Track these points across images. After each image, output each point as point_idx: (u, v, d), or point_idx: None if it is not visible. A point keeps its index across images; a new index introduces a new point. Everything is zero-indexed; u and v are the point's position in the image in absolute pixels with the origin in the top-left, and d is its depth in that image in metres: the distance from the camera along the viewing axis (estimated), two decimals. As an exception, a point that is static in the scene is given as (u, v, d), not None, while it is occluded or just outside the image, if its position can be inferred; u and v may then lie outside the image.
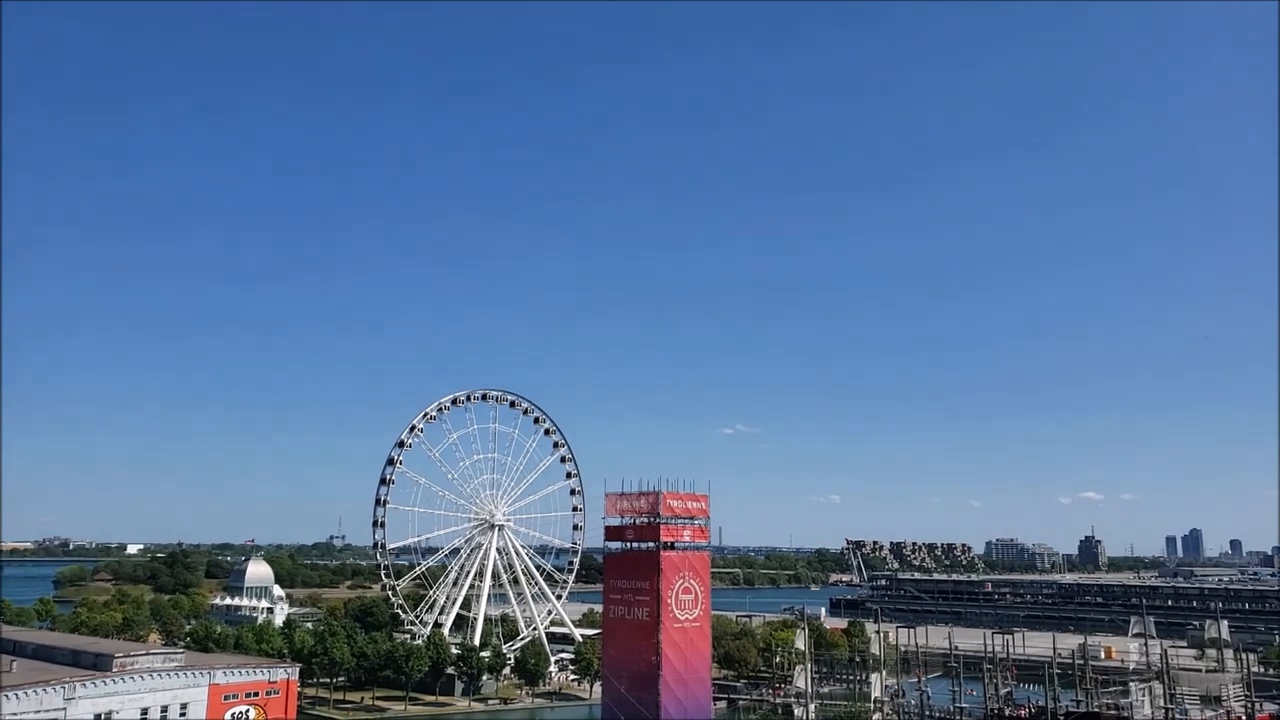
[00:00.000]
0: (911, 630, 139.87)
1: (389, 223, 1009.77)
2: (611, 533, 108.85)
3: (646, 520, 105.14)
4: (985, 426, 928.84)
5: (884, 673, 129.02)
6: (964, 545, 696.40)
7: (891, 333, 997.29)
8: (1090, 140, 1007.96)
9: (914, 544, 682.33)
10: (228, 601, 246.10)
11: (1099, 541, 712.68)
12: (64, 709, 74.43)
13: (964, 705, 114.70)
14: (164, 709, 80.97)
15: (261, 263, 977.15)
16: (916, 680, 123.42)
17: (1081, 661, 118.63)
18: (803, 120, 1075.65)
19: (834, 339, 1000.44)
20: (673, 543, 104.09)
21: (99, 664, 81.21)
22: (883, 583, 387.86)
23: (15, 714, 71.36)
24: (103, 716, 76.60)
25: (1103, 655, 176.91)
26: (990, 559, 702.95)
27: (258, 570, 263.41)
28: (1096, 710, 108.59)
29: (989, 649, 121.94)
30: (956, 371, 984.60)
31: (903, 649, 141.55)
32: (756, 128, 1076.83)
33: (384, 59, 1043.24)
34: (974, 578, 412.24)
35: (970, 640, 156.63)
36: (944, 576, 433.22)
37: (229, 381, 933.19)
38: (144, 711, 79.38)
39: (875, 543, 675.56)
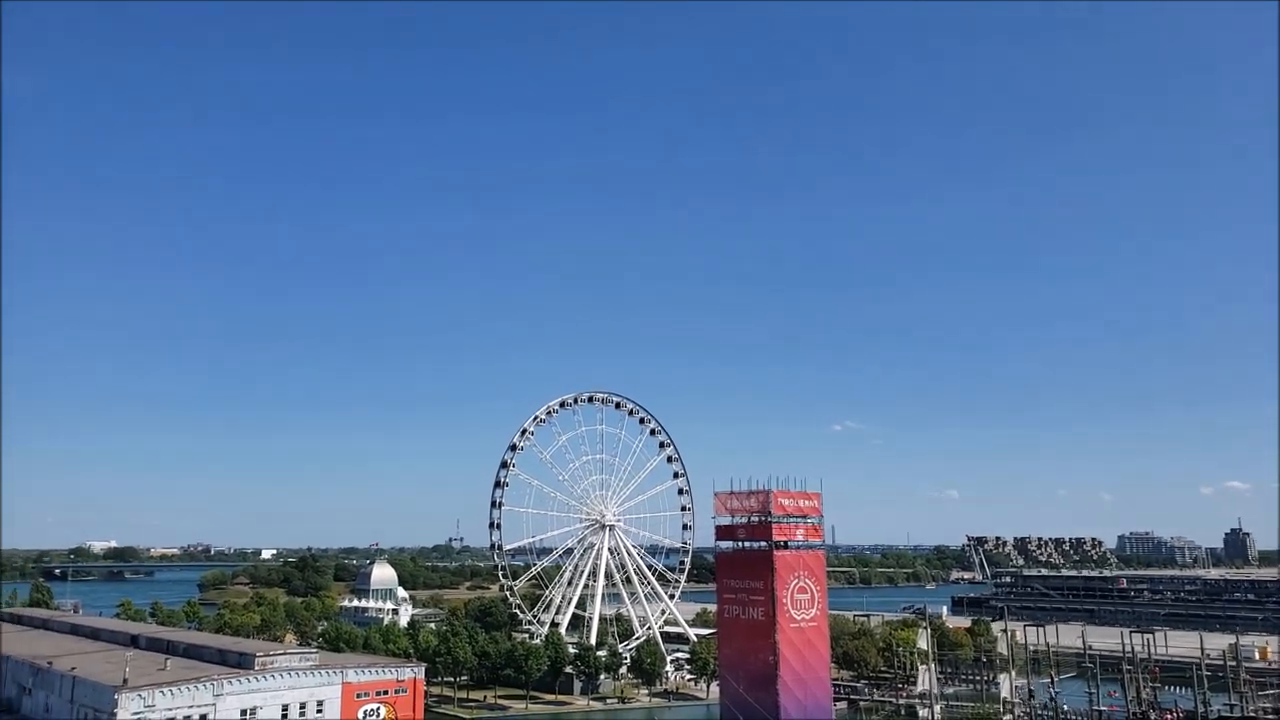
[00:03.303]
0: (1041, 629, 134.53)
1: (490, 228, 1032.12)
2: (722, 532, 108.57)
3: (758, 519, 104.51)
4: (1115, 416, 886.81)
5: (1013, 673, 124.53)
6: (1094, 540, 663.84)
7: (1009, 323, 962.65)
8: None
9: (1040, 539, 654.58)
10: (355, 603, 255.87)
11: (1247, 534, 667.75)
12: (213, 704, 78.80)
13: (1102, 708, 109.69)
14: (302, 706, 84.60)
15: (378, 272, 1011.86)
16: (1048, 681, 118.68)
17: (1234, 663, 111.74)
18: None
19: (944, 332, 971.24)
20: (786, 542, 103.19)
21: (242, 662, 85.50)
22: (1007, 580, 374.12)
23: (171, 708, 76.14)
24: (247, 712, 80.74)
25: (1257, 656, 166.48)
26: (1124, 554, 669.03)
27: (382, 573, 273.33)
28: (1253, 715, 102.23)
29: (1128, 649, 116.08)
30: (1081, 360, 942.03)
31: (1032, 649, 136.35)
32: (888, 121, 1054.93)
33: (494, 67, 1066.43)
34: (1107, 574, 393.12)
35: (1106, 640, 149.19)
36: (1074, 573, 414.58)
37: (351, 392, 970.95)
38: (284, 708, 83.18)
39: (998, 538, 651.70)
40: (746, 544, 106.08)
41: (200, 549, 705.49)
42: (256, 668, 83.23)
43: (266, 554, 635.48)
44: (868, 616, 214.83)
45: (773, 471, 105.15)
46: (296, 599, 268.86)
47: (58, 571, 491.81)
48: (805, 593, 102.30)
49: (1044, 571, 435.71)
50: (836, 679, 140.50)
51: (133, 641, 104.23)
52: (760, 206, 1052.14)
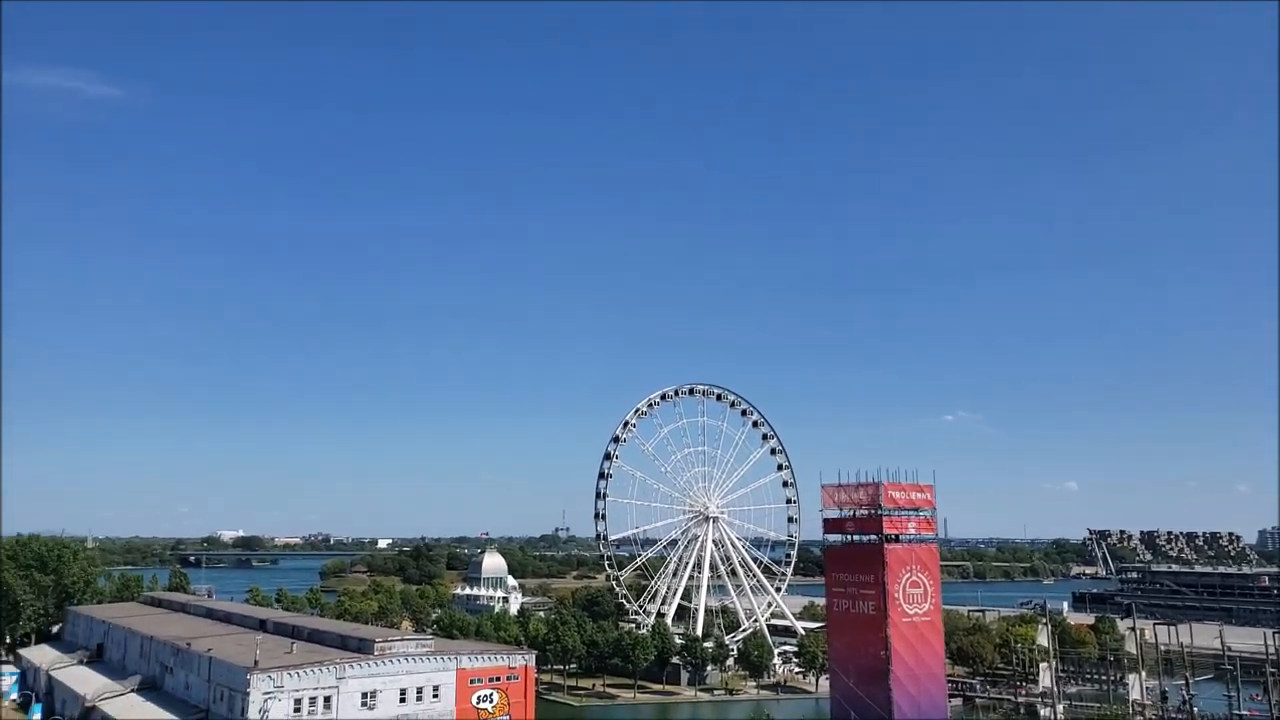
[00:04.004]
0: (1173, 628, 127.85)
1: (589, 224, 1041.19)
2: (831, 525, 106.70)
3: (867, 512, 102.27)
4: (1251, 401, 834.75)
5: (1143, 674, 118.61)
6: (1231, 534, 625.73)
7: (1132, 307, 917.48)
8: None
9: (1169, 533, 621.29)
10: (467, 591, 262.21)
11: None
12: (336, 687, 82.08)
13: (1243, 713, 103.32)
14: (419, 691, 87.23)
15: (478, 266, 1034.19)
16: (1183, 683, 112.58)
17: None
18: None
19: (1061, 318, 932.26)
20: (897, 535, 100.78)
21: (362, 648, 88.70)
22: (1134, 576, 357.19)
23: (298, 689, 79.78)
24: (368, 695, 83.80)
25: None
26: (1265, 549, 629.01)
27: (492, 562, 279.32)
28: None
29: (1272, 650, 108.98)
30: (1213, 342, 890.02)
31: (1163, 648, 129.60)
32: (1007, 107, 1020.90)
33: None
34: (1247, 570, 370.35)
35: (1246, 640, 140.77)
36: (1208, 569, 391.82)
37: (458, 385, 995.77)
38: (402, 693, 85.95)
39: (1122, 532, 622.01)
40: (856, 538, 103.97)
41: (320, 538, 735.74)
42: (376, 653, 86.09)
43: (382, 543, 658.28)
44: (983, 612, 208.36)
45: (881, 464, 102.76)
46: (411, 587, 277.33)
47: (192, 559, 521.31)
48: (918, 587, 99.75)
49: (1174, 567, 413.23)
50: (951, 675, 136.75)
51: (261, 626, 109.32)
52: (854, 196, 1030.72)
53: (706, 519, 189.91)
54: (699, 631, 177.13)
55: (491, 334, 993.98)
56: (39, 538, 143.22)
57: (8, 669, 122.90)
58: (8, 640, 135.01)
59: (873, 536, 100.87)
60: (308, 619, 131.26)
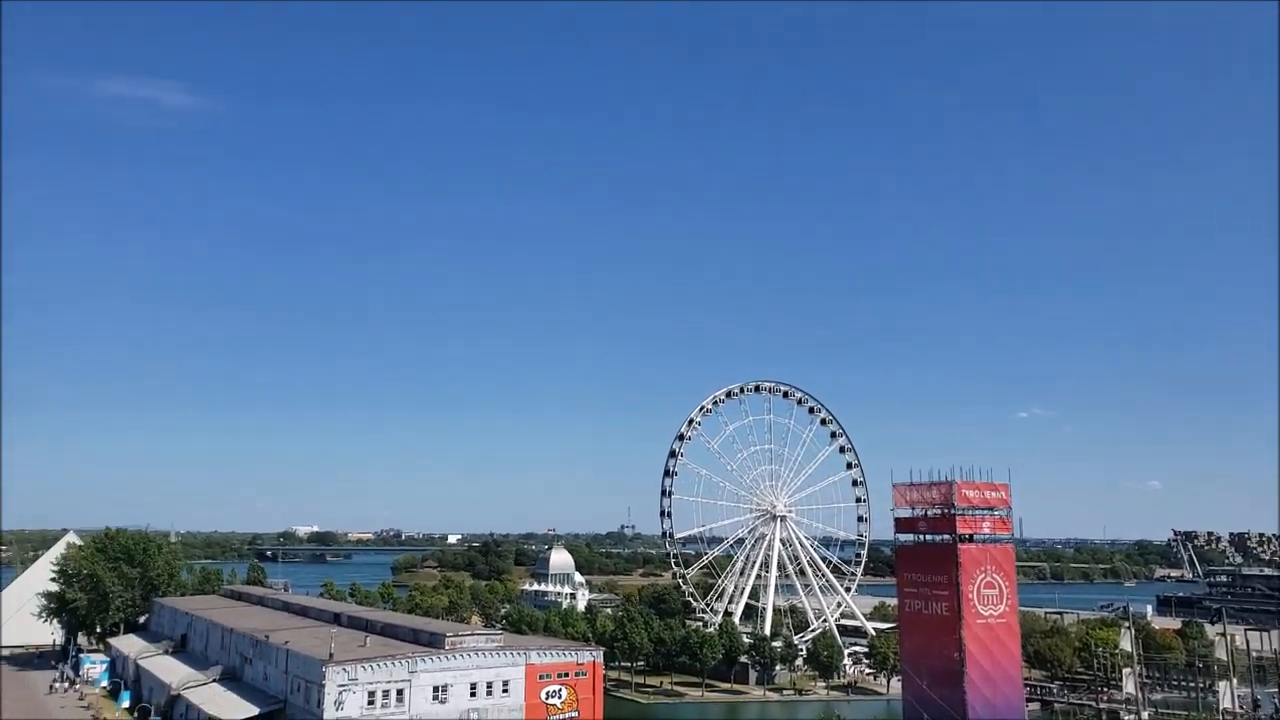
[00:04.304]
0: (1266, 634, 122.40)
1: (653, 223, 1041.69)
2: (902, 525, 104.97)
3: (940, 512, 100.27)
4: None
5: (1234, 681, 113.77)
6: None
7: (1216, 297, 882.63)
8: None
9: (1261, 535, 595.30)
10: (535, 587, 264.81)
11: None
12: (409, 681, 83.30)
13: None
14: (489, 685, 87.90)
15: (546, 262, 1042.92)
16: (1275, 690, 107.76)
17: None
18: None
19: (1142, 310, 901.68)
20: (971, 535, 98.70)
21: (434, 642, 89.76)
22: (1223, 579, 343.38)
23: (372, 682, 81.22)
24: (439, 689, 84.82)
25: None
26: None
27: (559, 558, 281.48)
28: None
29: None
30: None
31: (1256, 655, 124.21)
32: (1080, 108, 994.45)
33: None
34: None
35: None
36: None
37: (523, 383, 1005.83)
38: (473, 687, 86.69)
39: (1210, 534, 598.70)
40: (928, 537, 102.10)
41: (392, 534, 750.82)
42: (447, 647, 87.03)
43: (452, 539, 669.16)
44: (1061, 614, 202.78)
45: (951, 462, 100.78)
46: (480, 582, 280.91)
47: (269, 553, 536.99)
48: (993, 588, 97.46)
49: (1268, 571, 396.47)
50: (1028, 679, 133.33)
51: (335, 619, 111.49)
52: (916, 193, 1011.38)
53: (774, 518, 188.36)
54: (767, 631, 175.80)
55: (557, 332, 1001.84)
56: (126, 532, 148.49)
57: (99, 657, 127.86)
58: (98, 630, 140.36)
59: (946, 536, 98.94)
60: (380, 613, 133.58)
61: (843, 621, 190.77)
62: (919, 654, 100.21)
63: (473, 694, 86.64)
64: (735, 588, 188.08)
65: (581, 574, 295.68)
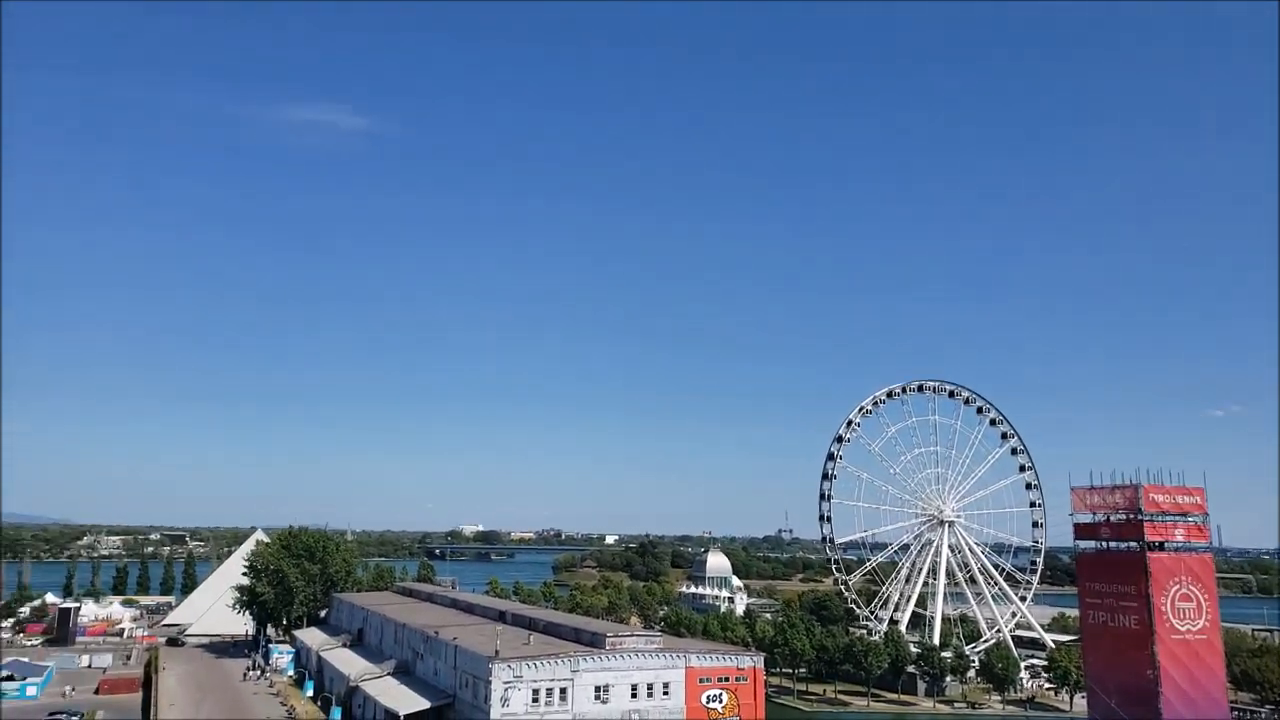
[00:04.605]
0: None
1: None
2: (1083, 531, 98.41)
3: (1125, 517, 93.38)
4: None
5: None
6: None
7: None
8: None
9: None
10: (692, 590, 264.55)
11: None
12: (571, 679, 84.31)
13: None
14: (650, 687, 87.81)
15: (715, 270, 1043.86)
16: None
17: None
18: None
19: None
20: (1161, 542, 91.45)
21: (595, 641, 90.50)
22: None
23: (536, 680, 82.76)
24: (601, 689, 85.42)
25: None
26: None
27: (716, 561, 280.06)
28: None
29: None
30: None
31: None
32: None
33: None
34: None
35: None
36: None
37: (680, 386, 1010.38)
38: (634, 688, 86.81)
39: None
40: (1112, 544, 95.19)
41: (553, 533, 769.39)
42: (608, 647, 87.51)
43: (610, 539, 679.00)
44: (1271, 632, 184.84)
45: (1137, 464, 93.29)
46: (638, 583, 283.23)
47: (437, 551, 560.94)
48: (1189, 600, 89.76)
49: None
50: (1234, 702, 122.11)
51: (500, 617, 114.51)
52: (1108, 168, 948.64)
53: (941, 523, 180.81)
54: (935, 640, 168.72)
55: (712, 337, 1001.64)
56: (307, 530, 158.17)
57: (285, 648, 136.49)
58: (284, 622, 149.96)
59: (1132, 544, 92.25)
60: (543, 611, 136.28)
61: (1018, 632, 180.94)
62: (1106, 670, 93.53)
63: (634, 695, 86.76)
64: (901, 595, 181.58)
65: (739, 578, 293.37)
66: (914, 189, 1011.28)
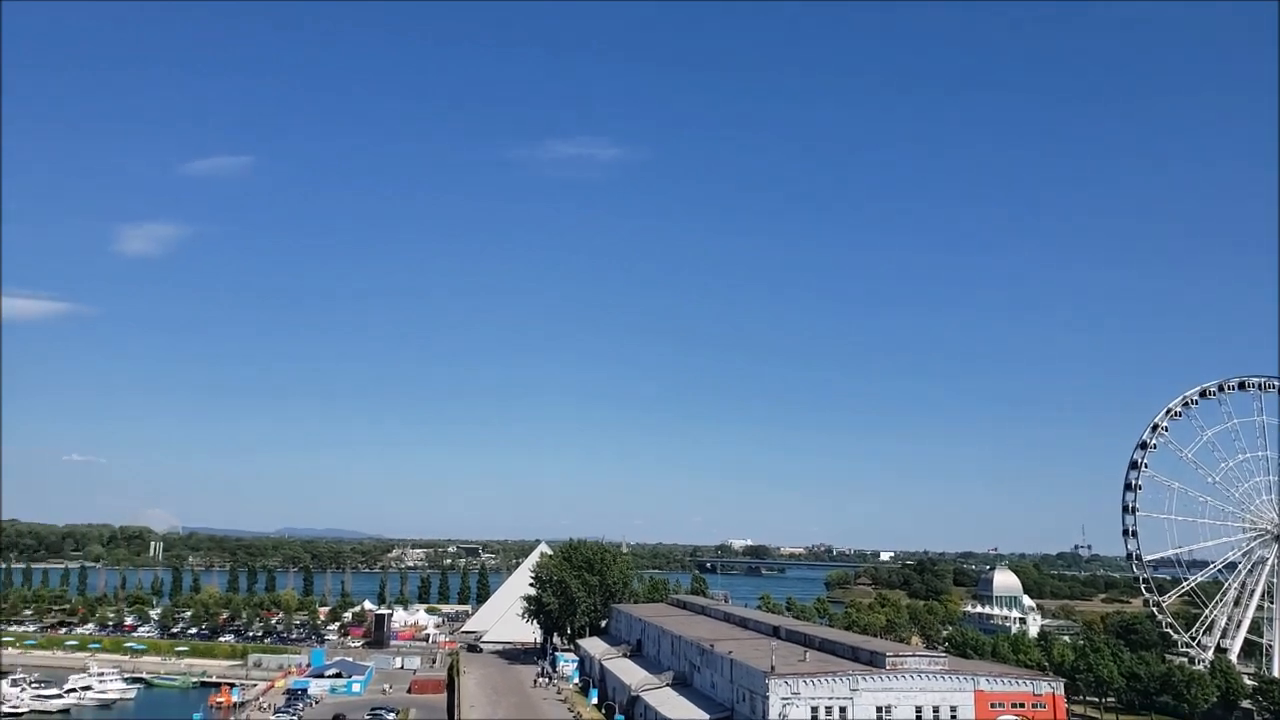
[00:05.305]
0: None
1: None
2: None
3: None
4: None
5: None
6: None
7: None
8: None
9: None
10: (978, 609, 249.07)
11: None
12: (850, 699, 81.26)
13: None
14: (935, 710, 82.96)
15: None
16: None
17: None
18: None
19: None
20: None
21: (874, 660, 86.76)
22: None
23: (814, 697, 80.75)
24: (882, 709, 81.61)
25: None
26: None
27: (1004, 579, 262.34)
28: None
29: None
30: None
31: None
32: None
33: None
34: None
35: None
36: None
37: (965, 391, 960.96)
38: (918, 710, 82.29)
39: None
40: None
41: (823, 549, 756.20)
42: (888, 667, 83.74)
43: (885, 555, 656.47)
44: None
45: None
46: (918, 601, 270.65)
47: (707, 564, 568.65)
48: None
49: None
50: None
51: (774, 632, 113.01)
52: None
53: (1276, 539, 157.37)
54: (1276, 673, 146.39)
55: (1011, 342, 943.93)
56: (586, 543, 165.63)
57: (570, 656, 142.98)
58: (568, 631, 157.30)
59: None
60: (818, 628, 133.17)
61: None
62: None
63: (918, 716, 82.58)
64: (1229, 620, 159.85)
65: (1030, 597, 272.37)
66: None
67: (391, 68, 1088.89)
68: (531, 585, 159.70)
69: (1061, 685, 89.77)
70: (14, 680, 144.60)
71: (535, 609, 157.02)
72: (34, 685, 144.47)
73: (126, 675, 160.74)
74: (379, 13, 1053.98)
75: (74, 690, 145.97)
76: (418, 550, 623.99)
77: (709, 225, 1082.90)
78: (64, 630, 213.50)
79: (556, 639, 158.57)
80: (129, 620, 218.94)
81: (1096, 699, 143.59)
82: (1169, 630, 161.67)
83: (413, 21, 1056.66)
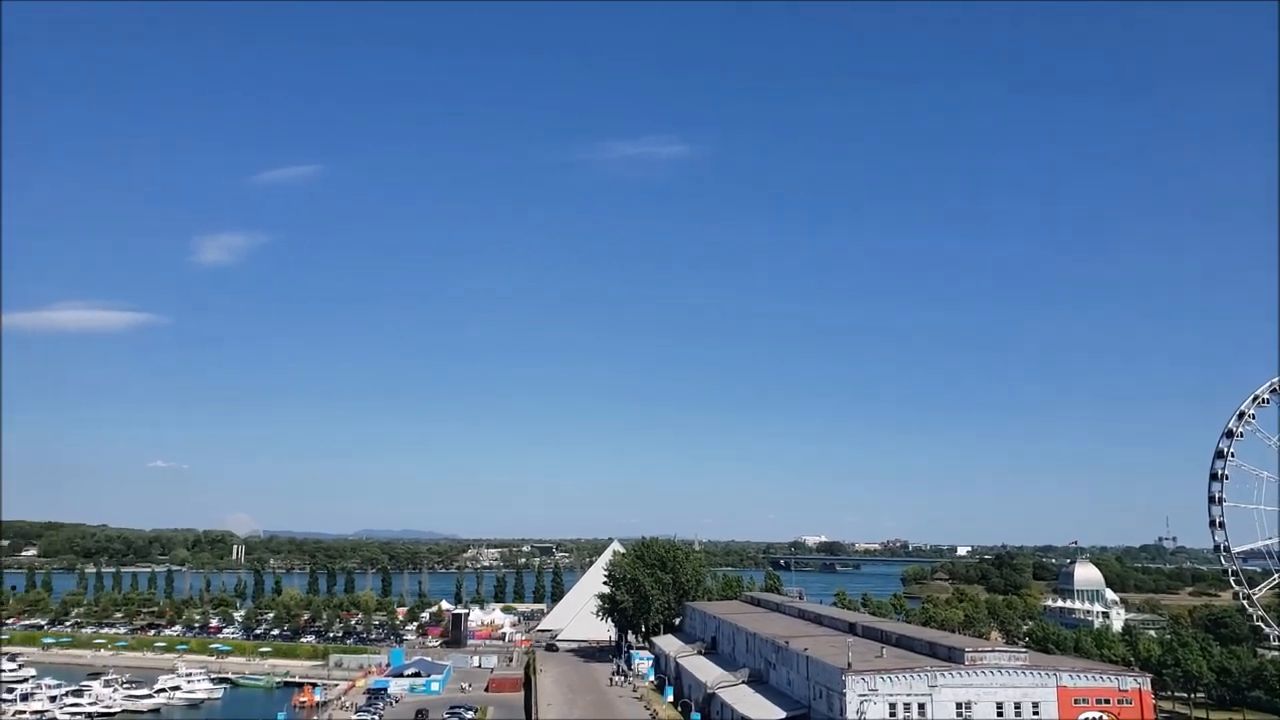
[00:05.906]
0: None
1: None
2: None
3: None
4: None
5: None
6: None
7: None
8: None
9: None
10: (1058, 604, 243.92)
11: None
12: (929, 695, 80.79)
13: None
14: (1016, 706, 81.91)
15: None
16: None
17: None
18: None
19: None
20: None
21: (952, 656, 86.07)
22: None
23: (892, 694, 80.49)
24: (962, 706, 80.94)
25: None
26: None
27: (1086, 573, 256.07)
28: None
29: None
30: None
31: None
32: None
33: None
34: None
35: None
36: None
37: (1039, 386, 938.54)
38: (999, 706, 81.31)
39: None
40: None
41: (898, 544, 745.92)
42: (967, 662, 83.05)
43: (961, 550, 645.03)
44: None
45: None
46: (996, 596, 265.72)
47: (781, 561, 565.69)
48: None
49: None
50: None
51: (850, 629, 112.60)
52: None
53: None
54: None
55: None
56: (659, 541, 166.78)
57: (644, 654, 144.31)
58: (642, 629, 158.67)
59: None
60: (894, 624, 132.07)
61: None
62: None
63: (999, 713, 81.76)
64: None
65: (1113, 591, 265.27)
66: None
67: (446, 78, 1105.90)
68: (605, 583, 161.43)
69: (1148, 680, 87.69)
70: (106, 681, 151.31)
71: (609, 607, 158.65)
72: (125, 686, 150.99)
73: (213, 676, 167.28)
74: (436, 21, 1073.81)
75: (163, 690, 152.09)
76: (492, 550, 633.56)
77: (779, 224, 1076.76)
78: (153, 632, 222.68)
79: (631, 637, 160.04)
80: (214, 622, 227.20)
81: (1185, 694, 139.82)
82: (1260, 623, 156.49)
83: (467, 30, 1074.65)
